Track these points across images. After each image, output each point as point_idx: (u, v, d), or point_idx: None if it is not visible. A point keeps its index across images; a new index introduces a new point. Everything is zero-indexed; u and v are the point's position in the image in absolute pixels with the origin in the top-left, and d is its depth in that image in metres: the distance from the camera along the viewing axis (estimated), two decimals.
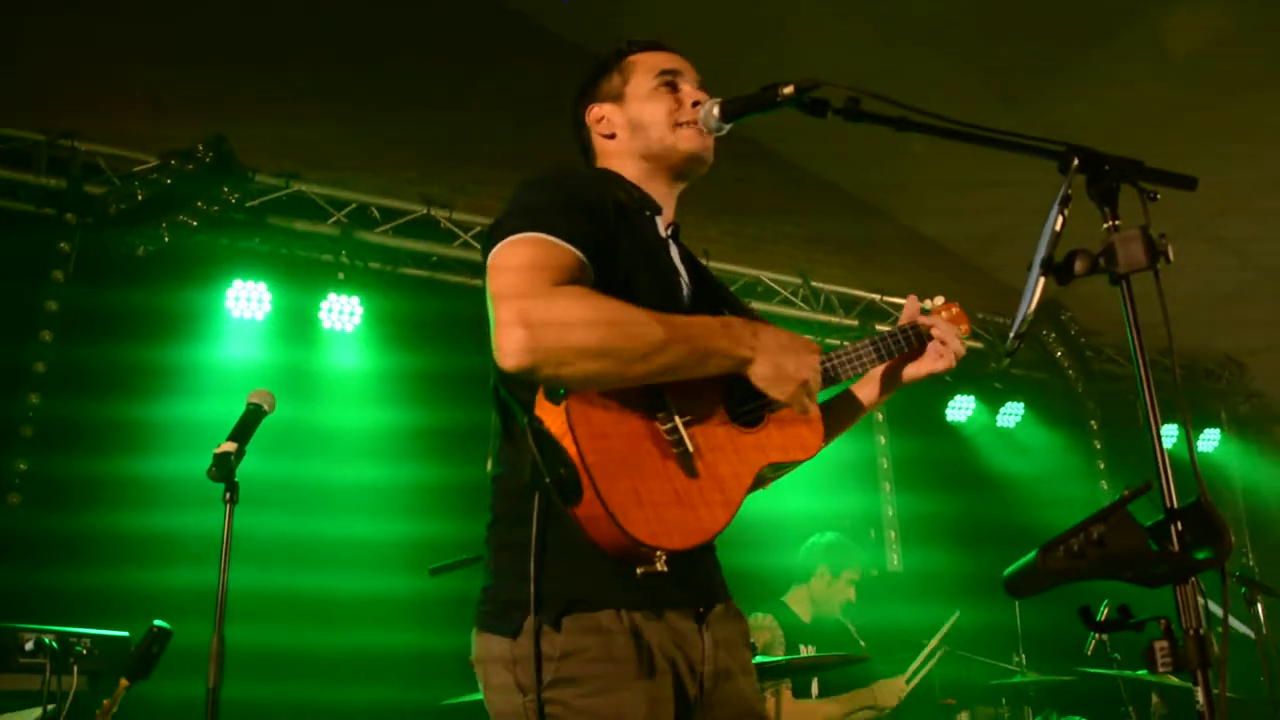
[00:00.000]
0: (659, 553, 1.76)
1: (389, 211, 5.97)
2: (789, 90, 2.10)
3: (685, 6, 6.72)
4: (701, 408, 1.95)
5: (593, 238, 1.91)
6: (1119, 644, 4.91)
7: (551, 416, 1.77)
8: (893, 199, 7.88)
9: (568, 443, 1.73)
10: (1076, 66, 6.46)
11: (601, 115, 2.29)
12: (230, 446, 2.99)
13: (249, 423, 3.10)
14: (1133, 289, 1.98)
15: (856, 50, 6.61)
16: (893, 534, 6.51)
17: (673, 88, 2.28)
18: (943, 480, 6.54)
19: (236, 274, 5.35)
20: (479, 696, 1.96)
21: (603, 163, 2.29)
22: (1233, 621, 4.62)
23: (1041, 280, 2.07)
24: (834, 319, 6.98)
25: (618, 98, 2.28)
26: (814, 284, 6.98)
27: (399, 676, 4.79)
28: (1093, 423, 7.58)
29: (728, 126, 2.22)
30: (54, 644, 2.53)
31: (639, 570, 1.76)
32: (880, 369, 2.41)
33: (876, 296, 7.14)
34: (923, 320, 2.40)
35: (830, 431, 2.43)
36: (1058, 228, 2.04)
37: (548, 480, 1.74)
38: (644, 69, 2.30)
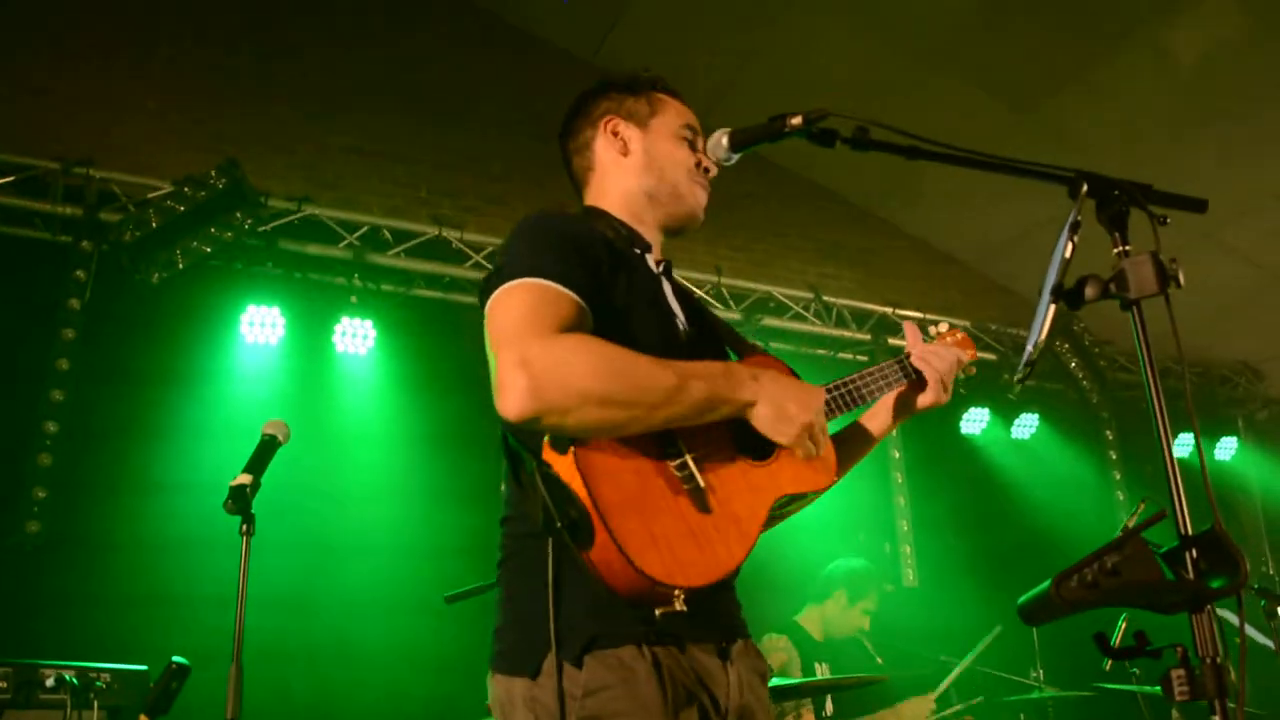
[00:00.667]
0: (677, 591, 1.74)
1: (401, 233, 6.00)
2: (797, 121, 2.11)
3: (694, 27, 6.77)
4: (711, 444, 1.94)
5: (589, 281, 1.91)
6: (1138, 659, 4.87)
7: (559, 461, 1.75)
8: (902, 211, 7.89)
9: (577, 485, 1.72)
10: (1084, 77, 6.45)
11: (619, 130, 2.28)
12: (246, 479, 3.01)
13: (264, 454, 3.13)
14: (1143, 310, 1.99)
15: (864, 65, 6.63)
16: (908, 549, 6.48)
17: (692, 146, 2.31)
18: (958, 493, 6.53)
19: (250, 299, 5.39)
20: None
21: (595, 181, 2.29)
22: (1251, 632, 4.59)
23: (1052, 308, 2.08)
24: (846, 333, 6.97)
25: (642, 124, 2.29)
26: (825, 298, 6.98)
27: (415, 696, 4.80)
28: (1108, 433, 7.53)
29: (736, 156, 2.23)
30: (74, 680, 2.55)
31: (657, 612, 1.74)
32: (889, 398, 2.41)
33: (889, 310, 7.13)
34: (918, 351, 2.40)
35: (842, 463, 2.43)
36: (1067, 254, 2.05)
37: (559, 525, 1.72)
38: (673, 111, 2.34)
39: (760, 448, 2.02)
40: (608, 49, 7.08)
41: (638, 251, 2.19)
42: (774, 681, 3.81)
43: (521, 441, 1.86)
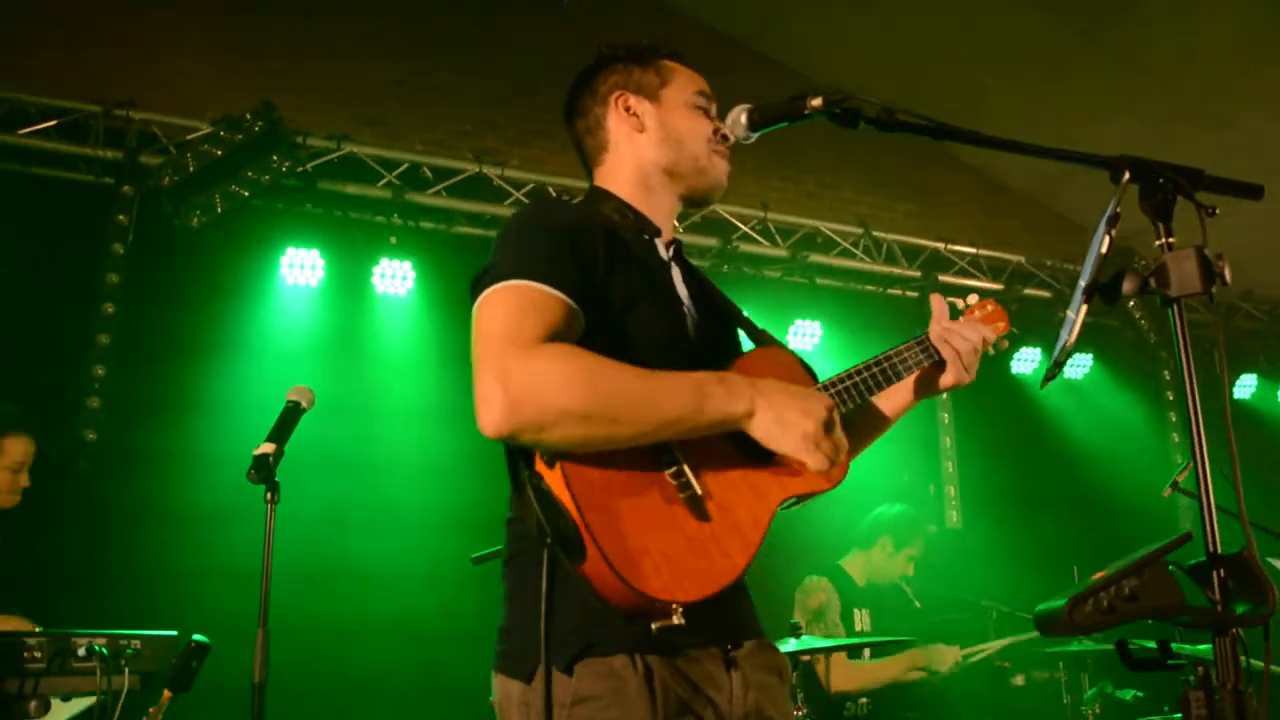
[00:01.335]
0: (674, 605, 1.70)
1: (441, 171, 5.93)
2: (817, 102, 2.02)
3: None
4: (711, 447, 1.87)
5: (582, 280, 1.84)
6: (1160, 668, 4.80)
7: (549, 474, 1.71)
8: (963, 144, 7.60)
9: (567, 500, 1.68)
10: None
11: (631, 105, 2.18)
12: (269, 448, 3.01)
13: (287, 421, 3.11)
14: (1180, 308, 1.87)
15: (924, 3, 6.36)
16: (952, 490, 6.39)
17: (707, 113, 2.21)
18: (1006, 435, 6.40)
19: (290, 241, 5.40)
20: None
21: (609, 160, 2.20)
22: None
23: (1084, 308, 1.98)
24: (896, 270, 6.79)
25: (654, 97, 2.19)
26: (875, 233, 6.79)
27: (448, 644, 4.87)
28: (1165, 374, 7.32)
29: (755, 136, 2.14)
30: (104, 649, 2.61)
31: (654, 626, 1.71)
32: (908, 378, 2.31)
33: (941, 245, 6.92)
34: (939, 329, 2.28)
35: (854, 446, 2.35)
36: (1104, 249, 1.93)
37: (549, 540, 1.70)
38: (684, 79, 2.23)
39: (762, 448, 1.93)
40: None
41: (645, 237, 2.12)
42: (799, 645, 3.81)
43: (516, 448, 1.82)
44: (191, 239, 5.12)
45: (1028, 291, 6.98)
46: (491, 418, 1.65)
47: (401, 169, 5.81)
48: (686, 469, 1.81)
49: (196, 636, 2.68)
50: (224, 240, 5.25)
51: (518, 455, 1.82)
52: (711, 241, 6.35)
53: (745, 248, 6.42)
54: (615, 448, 1.74)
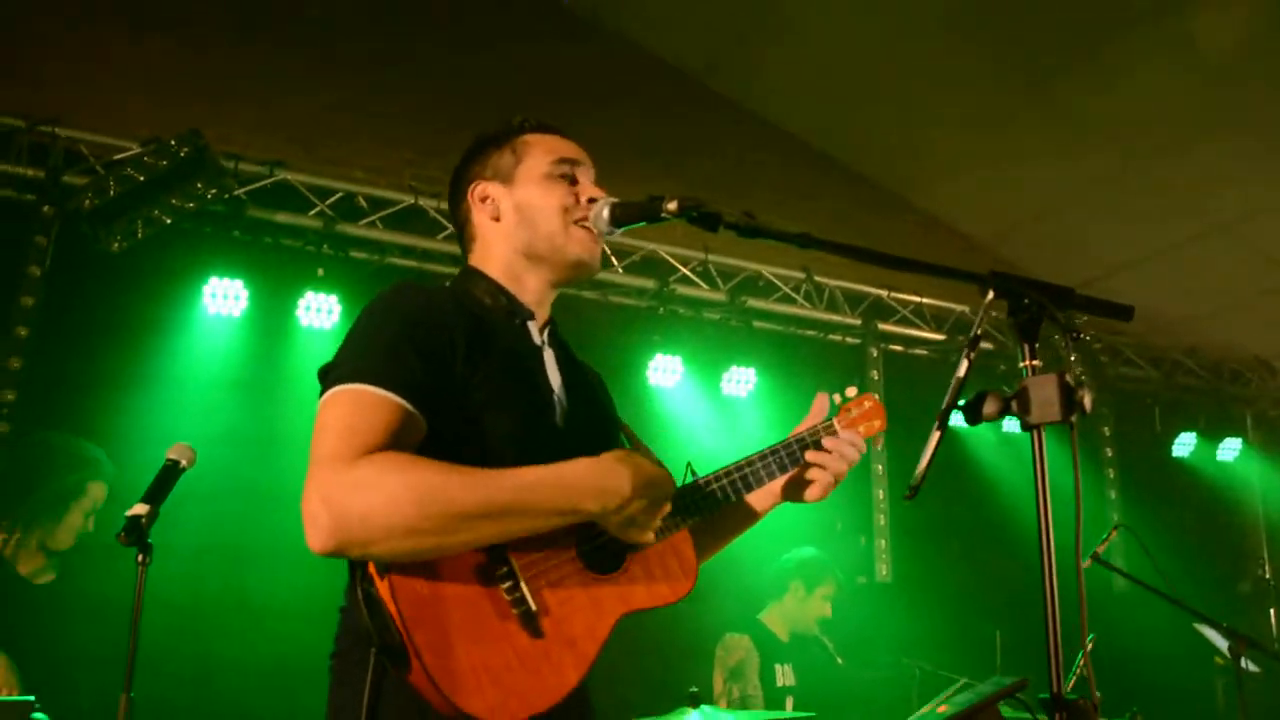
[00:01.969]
0: None
1: (377, 201, 5.84)
2: (673, 206, 1.96)
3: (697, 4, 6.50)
4: (551, 556, 1.83)
5: (430, 379, 1.79)
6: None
7: (379, 582, 1.67)
8: (910, 185, 7.60)
9: (394, 613, 1.64)
10: (1103, 57, 6.12)
11: (487, 195, 2.13)
12: (142, 509, 2.92)
13: (165, 481, 3.03)
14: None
15: (874, 44, 6.34)
16: (883, 543, 6.34)
17: (570, 180, 2.13)
18: (940, 489, 6.32)
19: (214, 270, 5.29)
20: None
21: (479, 250, 2.14)
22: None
23: (937, 435, 1.95)
24: (836, 317, 6.76)
25: (507, 179, 2.12)
26: (818, 279, 6.75)
27: None
28: (1105, 429, 7.31)
29: (617, 231, 2.08)
30: None
31: None
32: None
33: (884, 293, 6.90)
34: (826, 440, 2.24)
35: (708, 549, 2.31)
36: (961, 373, 1.91)
37: (375, 647, 1.68)
38: (540, 151, 2.15)
39: (607, 560, 1.91)
40: (613, 11, 6.81)
41: (517, 322, 2.06)
42: (700, 716, 3.73)
43: None
44: (113, 264, 5.01)
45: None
46: (317, 537, 1.63)
47: (336, 197, 5.72)
48: (522, 584, 1.76)
49: (36, 715, 2.57)
50: (147, 266, 5.14)
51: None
52: (649, 283, 6.30)
53: (683, 290, 6.36)
54: (451, 553, 1.70)
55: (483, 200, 2.13)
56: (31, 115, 5.21)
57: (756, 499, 2.28)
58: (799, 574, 5.21)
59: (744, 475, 2.15)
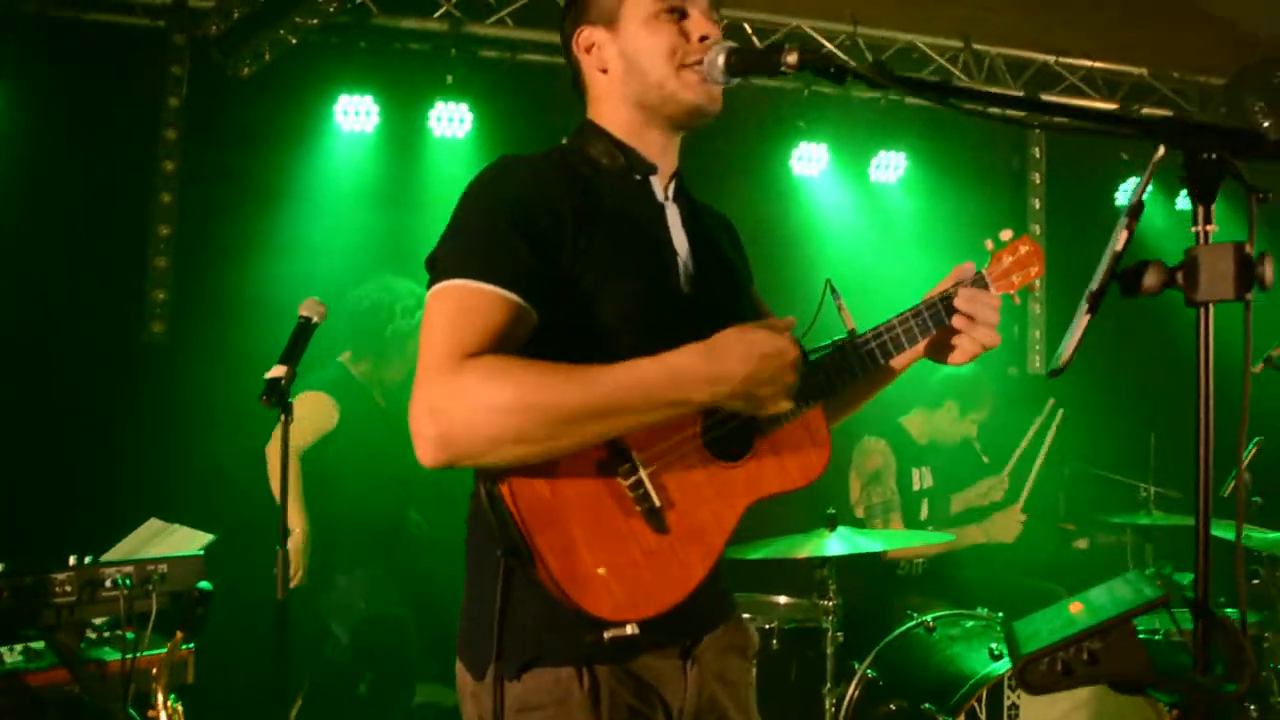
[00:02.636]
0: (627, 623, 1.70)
1: None
2: (793, 59, 1.75)
3: None
4: (675, 446, 1.78)
5: (535, 267, 1.72)
6: (1260, 488, 4.58)
7: (500, 484, 1.67)
8: None
9: (515, 514, 1.65)
10: None
11: (593, 42, 1.96)
12: (280, 370, 3.03)
13: (300, 339, 3.11)
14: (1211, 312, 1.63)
15: None
16: (1037, 333, 6.09)
17: (679, 14, 1.92)
18: (1107, 316, 5.93)
19: (343, 88, 5.24)
20: None
21: (593, 103, 2.00)
22: None
23: (1087, 318, 1.75)
24: (997, 89, 6.22)
25: (611, 21, 1.93)
26: (977, 46, 6.18)
27: None
28: None
29: (733, 80, 1.90)
30: (128, 580, 2.77)
31: (606, 636, 1.69)
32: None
33: (1051, 59, 6.28)
34: (957, 301, 2.02)
35: (840, 414, 2.24)
36: (1119, 247, 1.68)
37: (502, 550, 1.70)
38: None
39: (734, 444, 1.85)
40: None
41: (638, 179, 1.95)
42: (839, 539, 3.77)
43: None
44: (244, 89, 5.00)
45: (1146, 111, 6.32)
46: (426, 450, 1.62)
47: None
48: (644, 477, 1.74)
49: (201, 584, 2.81)
50: (277, 87, 5.11)
51: None
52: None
53: None
54: (566, 454, 1.68)
55: (588, 49, 1.96)
56: None
57: (896, 360, 2.08)
58: (959, 393, 5.07)
59: (882, 342, 1.99)
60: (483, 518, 1.74)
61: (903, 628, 4.03)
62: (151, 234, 5.00)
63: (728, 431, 1.83)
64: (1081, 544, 5.15)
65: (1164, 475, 4.90)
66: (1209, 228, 1.56)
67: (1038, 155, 6.32)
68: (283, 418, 3.07)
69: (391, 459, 4.23)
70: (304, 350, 3.12)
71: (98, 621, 2.95)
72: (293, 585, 3.93)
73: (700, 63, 1.88)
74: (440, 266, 1.73)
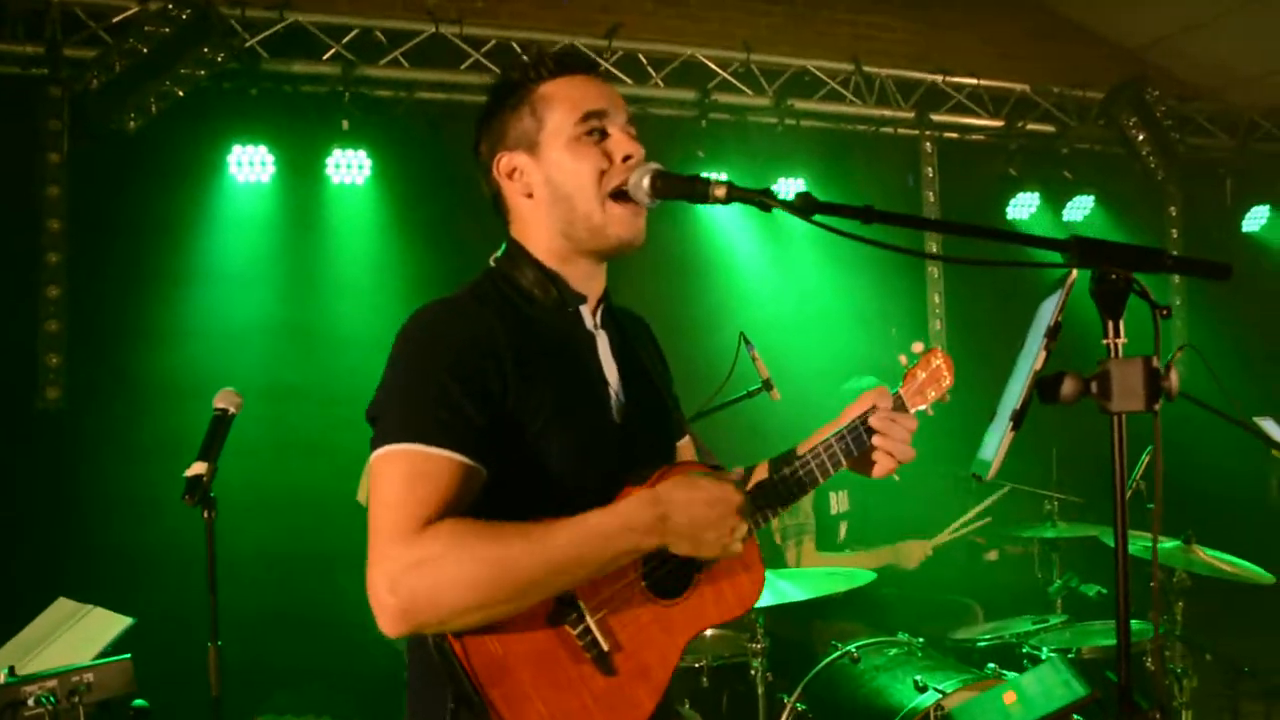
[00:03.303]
0: None
1: (396, 35, 5.52)
2: (720, 193, 1.80)
3: None
4: (619, 592, 1.83)
5: (481, 424, 1.72)
6: (1153, 496, 4.80)
7: (451, 639, 1.68)
8: None
9: (468, 669, 1.67)
10: None
11: (514, 167, 1.93)
12: (201, 468, 2.96)
13: (218, 433, 3.04)
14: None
15: None
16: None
17: (600, 135, 1.90)
18: (1000, 293, 6.17)
19: (236, 138, 5.10)
20: None
21: (519, 228, 1.98)
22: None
23: (1011, 435, 1.84)
24: (889, 111, 6.38)
25: (532, 147, 1.91)
26: (867, 69, 6.33)
27: None
28: (1171, 209, 7.00)
29: (657, 202, 1.89)
30: (51, 698, 2.67)
31: None
32: None
33: (939, 78, 6.47)
34: (876, 414, 2.12)
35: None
36: (1039, 365, 1.77)
37: (452, 705, 1.70)
38: (563, 107, 1.90)
39: (674, 583, 1.89)
40: None
41: (570, 311, 1.95)
42: None
43: None
44: (130, 143, 4.83)
45: (1030, 126, 6.57)
46: (389, 622, 1.62)
47: (352, 35, 5.42)
48: (592, 624, 1.77)
49: (136, 702, 2.73)
50: (166, 141, 4.96)
51: None
52: (689, 93, 5.97)
53: (725, 98, 6.03)
54: (522, 612, 1.70)
55: (510, 174, 1.94)
56: None
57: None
58: None
59: (809, 470, 2.08)
60: (425, 658, 1.74)
61: (828, 658, 4.12)
62: (41, 296, 4.80)
63: (668, 571, 1.87)
64: (991, 556, 5.31)
65: (1066, 485, 5.10)
66: (1119, 340, 1.64)
67: (931, 174, 6.51)
68: (206, 514, 2.99)
69: None
70: (223, 444, 3.05)
71: None
72: None
73: (626, 193, 1.88)
74: (385, 428, 1.72)
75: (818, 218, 1.79)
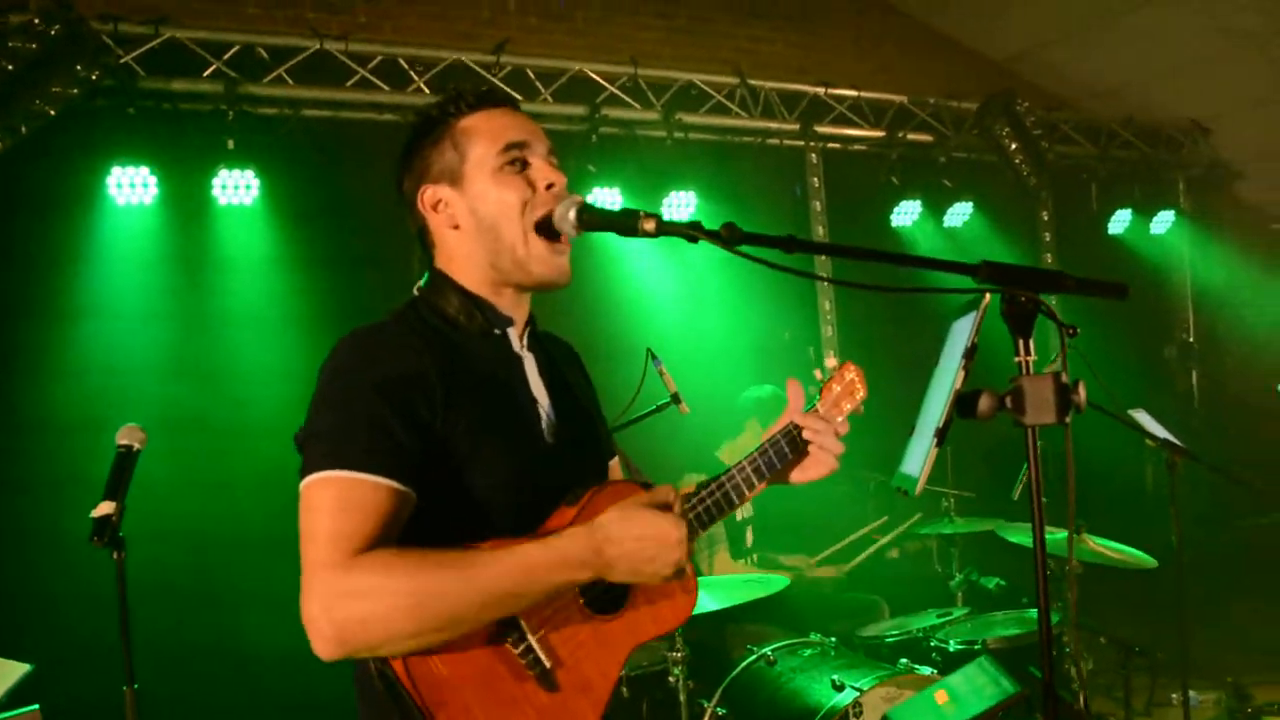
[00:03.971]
0: None
1: (279, 52, 5.38)
2: (650, 226, 1.84)
3: None
4: (558, 610, 1.84)
5: (411, 448, 1.72)
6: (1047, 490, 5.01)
7: (394, 662, 1.68)
8: None
9: (413, 694, 1.67)
10: None
11: (439, 199, 1.94)
12: (108, 507, 2.84)
13: (122, 470, 2.92)
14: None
15: None
16: (818, 374, 6.40)
17: (521, 165, 1.93)
18: (885, 298, 6.35)
19: (115, 159, 4.89)
20: None
21: (444, 259, 1.98)
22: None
23: (935, 451, 1.94)
24: (774, 124, 6.52)
25: (455, 179, 1.93)
26: (751, 82, 6.46)
27: None
28: (1044, 214, 7.34)
29: (579, 234, 1.93)
30: None
31: None
32: None
33: (820, 90, 6.65)
34: (800, 420, 2.22)
35: None
36: (959, 384, 1.86)
37: None
38: (484, 139, 1.93)
39: (612, 599, 1.92)
40: None
41: (496, 333, 1.96)
42: None
43: None
44: (1, 163, 4.59)
45: (910, 136, 6.79)
46: (323, 646, 1.61)
47: (233, 52, 5.26)
48: (533, 642, 1.78)
49: None
50: (39, 163, 4.73)
51: None
52: (579, 109, 5.99)
53: (614, 112, 6.06)
54: (456, 639, 1.70)
55: (435, 207, 1.95)
56: None
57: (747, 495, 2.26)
58: (756, 412, 5.30)
59: (734, 486, 2.13)
60: (372, 693, 1.73)
61: (745, 662, 4.18)
62: None
63: (605, 588, 1.89)
64: (893, 553, 5.48)
65: (960, 480, 5.28)
66: (1029, 358, 1.75)
67: (817, 184, 6.66)
68: (116, 555, 2.86)
69: None
70: (129, 481, 2.93)
71: None
72: None
73: (551, 223, 1.91)
74: (314, 454, 1.70)
75: (742, 248, 1.85)
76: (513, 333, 1.99)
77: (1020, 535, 4.44)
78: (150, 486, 3.34)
